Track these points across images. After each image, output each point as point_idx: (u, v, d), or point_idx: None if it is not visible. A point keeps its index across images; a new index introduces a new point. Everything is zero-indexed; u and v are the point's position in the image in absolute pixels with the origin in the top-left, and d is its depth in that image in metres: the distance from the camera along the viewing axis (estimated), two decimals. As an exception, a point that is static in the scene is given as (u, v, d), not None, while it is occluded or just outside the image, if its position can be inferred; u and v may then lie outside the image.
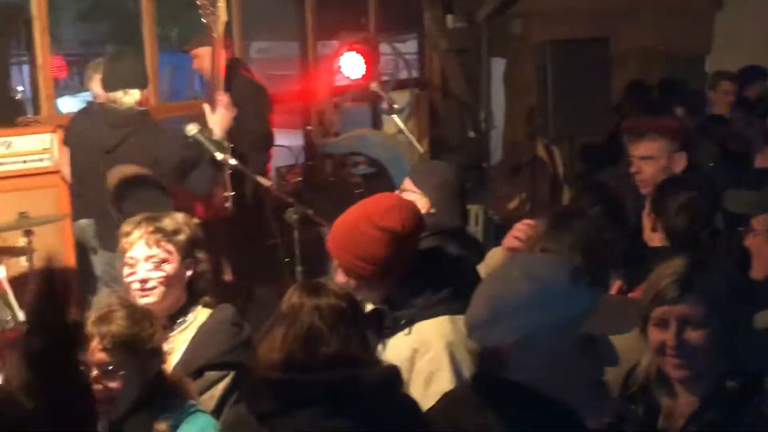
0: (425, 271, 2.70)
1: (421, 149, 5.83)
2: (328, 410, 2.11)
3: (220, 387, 2.79)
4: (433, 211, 3.28)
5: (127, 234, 2.91)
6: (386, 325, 2.69)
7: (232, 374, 2.82)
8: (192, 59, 5.56)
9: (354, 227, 2.68)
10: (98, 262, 5.23)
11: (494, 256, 3.20)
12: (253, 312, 5.05)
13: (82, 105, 5.86)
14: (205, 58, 5.30)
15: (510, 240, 3.06)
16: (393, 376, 2.23)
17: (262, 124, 5.48)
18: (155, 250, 2.86)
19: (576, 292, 1.96)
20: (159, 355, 2.51)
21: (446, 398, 2.16)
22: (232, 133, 5.00)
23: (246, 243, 5.14)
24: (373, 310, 2.74)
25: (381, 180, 6.17)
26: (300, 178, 6.49)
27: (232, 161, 4.67)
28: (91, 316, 2.43)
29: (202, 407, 2.56)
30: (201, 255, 2.98)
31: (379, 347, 2.65)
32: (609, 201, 3.64)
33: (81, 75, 8.71)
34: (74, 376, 1.45)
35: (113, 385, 2.38)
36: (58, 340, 1.45)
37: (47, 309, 1.44)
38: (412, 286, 2.69)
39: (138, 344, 2.41)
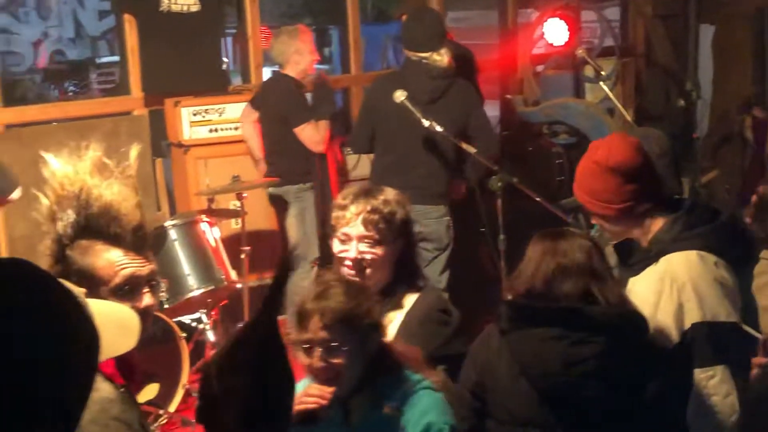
0: (670, 210, 2.78)
1: (629, 118, 5.65)
2: (557, 333, 2.52)
3: None
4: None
5: (343, 208, 2.84)
6: (634, 260, 2.81)
7: None
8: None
9: (582, 164, 2.87)
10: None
11: None
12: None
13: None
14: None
15: None
16: (632, 322, 2.55)
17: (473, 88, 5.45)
18: (371, 231, 2.79)
19: None
20: (378, 329, 2.47)
21: None
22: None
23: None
24: (620, 243, 2.90)
25: (582, 150, 5.96)
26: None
27: (438, 128, 4.66)
28: (311, 293, 2.40)
29: (430, 382, 2.48)
30: (411, 236, 2.91)
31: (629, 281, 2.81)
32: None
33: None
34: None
35: (337, 361, 2.36)
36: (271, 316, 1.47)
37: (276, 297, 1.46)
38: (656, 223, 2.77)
39: (356, 319, 2.39)
